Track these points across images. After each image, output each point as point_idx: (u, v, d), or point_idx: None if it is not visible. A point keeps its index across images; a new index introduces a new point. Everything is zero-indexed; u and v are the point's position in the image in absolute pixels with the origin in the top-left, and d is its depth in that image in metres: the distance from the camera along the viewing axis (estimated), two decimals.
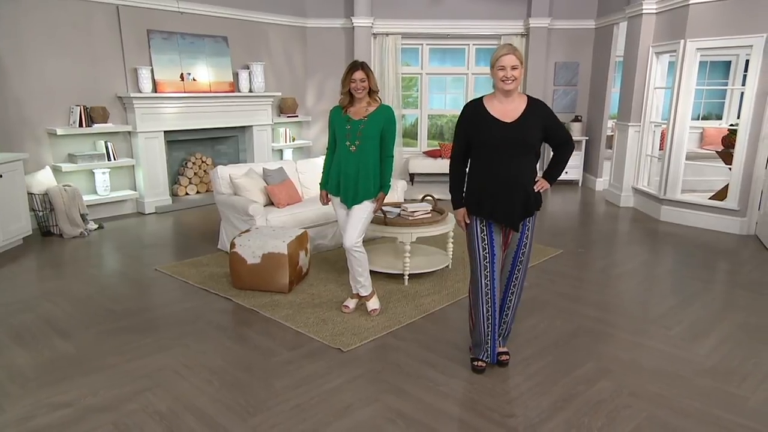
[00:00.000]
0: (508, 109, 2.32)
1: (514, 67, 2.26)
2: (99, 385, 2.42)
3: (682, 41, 5.36)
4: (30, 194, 4.87)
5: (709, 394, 2.38)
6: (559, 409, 2.25)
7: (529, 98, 2.38)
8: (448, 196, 2.56)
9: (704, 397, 2.36)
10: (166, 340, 2.86)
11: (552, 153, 2.52)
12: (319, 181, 3.22)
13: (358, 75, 2.87)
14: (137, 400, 2.30)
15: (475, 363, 2.54)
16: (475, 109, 2.36)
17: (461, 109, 2.44)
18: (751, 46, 4.91)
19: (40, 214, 4.99)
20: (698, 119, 8.62)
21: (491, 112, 2.32)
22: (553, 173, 2.49)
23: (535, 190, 2.42)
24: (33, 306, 3.34)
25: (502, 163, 2.33)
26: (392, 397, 2.34)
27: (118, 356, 2.68)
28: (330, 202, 3.19)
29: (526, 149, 2.34)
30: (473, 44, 7.72)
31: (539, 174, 2.46)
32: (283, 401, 2.30)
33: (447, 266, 4.00)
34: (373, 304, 3.20)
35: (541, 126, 2.35)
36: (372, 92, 2.94)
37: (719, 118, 8.98)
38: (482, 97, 2.40)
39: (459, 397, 2.36)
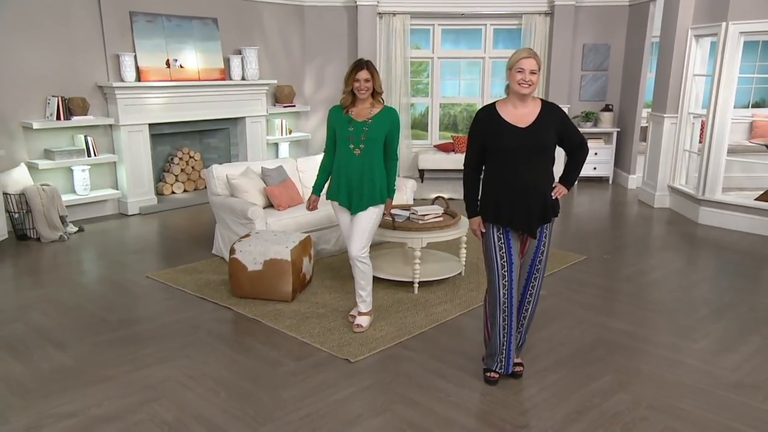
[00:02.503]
0: (522, 114, 2.65)
1: (532, 72, 2.59)
2: (102, 395, 2.78)
3: (724, 24, 5.66)
4: (5, 194, 5.23)
5: (730, 408, 2.71)
6: (573, 421, 2.58)
7: (543, 102, 2.71)
8: (462, 195, 2.89)
9: (724, 410, 2.69)
10: (166, 350, 3.22)
11: (566, 158, 2.85)
12: (313, 183, 3.56)
13: (363, 75, 3.19)
14: (143, 410, 2.65)
15: (488, 374, 2.88)
16: (488, 116, 2.69)
17: (477, 106, 2.77)
18: None
19: (16, 216, 5.36)
20: (747, 107, 8.91)
21: (505, 118, 2.65)
22: (569, 178, 2.81)
23: (553, 197, 2.75)
24: (21, 316, 3.70)
25: (518, 168, 2.66)
26: (403, 407, 2.69)
27: (118, 367, 3.04)
28: (316, 209, 3.55)
29: (541, 154, 2.67)
30: (491, 24, 8.04)
31: (556, 179, 2.79)
32: (292, 411, 2.65)
33: (460, 273, 4.33)
34: (365, 321, 3.50)
35: (556, 130, 2.67)
36: (376, 93, 3.26)
37: None
38: (495, 102, 2.73)
39: (471, 408, 2.70)
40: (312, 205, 3.57)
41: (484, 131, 2.70)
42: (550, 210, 2.73)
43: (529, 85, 2.58)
